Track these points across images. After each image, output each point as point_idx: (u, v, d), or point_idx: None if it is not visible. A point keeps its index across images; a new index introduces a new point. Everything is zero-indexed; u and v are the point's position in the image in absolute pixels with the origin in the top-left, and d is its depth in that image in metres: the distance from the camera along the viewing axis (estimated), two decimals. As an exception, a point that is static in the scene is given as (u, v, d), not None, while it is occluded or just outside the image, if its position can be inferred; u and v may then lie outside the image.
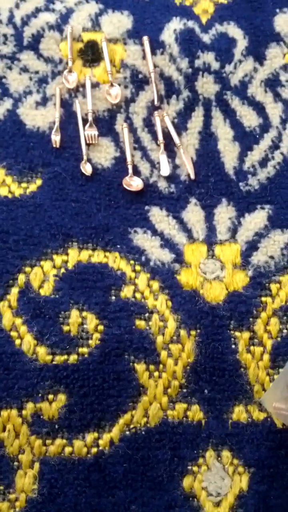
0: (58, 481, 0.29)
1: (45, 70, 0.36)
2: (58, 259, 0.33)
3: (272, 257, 0.33)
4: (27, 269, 0.32)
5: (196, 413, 0.31)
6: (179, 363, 0.31)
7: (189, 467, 0.30)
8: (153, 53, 0.37)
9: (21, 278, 0.32)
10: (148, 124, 0.36)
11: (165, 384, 0.31)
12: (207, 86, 0.37)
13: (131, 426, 0.30)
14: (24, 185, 0.34)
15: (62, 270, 0.32)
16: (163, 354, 0.31)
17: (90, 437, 0.30)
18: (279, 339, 0.32)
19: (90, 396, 0.30)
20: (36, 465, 0.30)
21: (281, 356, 0.32)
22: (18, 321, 0.31)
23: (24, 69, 0.36)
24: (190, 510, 0.29)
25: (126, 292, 0.32)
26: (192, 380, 0.31)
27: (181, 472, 0.30)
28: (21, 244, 0.33)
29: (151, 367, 0.31)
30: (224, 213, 0.34)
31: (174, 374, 0.31)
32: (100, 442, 0.30)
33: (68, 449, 0.30)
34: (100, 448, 0.30)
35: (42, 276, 0.32)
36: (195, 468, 0.30)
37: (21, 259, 0.32)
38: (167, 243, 0.34)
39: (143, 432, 0.30)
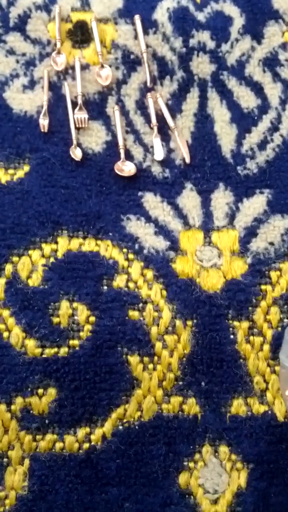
0: (49, 477, 0.28)
1: (32, 52, 0.35)
2: (47, 248, 0.31)
3: (272, 244, 0.32)
4: (15, 258, 0.31)
5: (192, 406, 0.29)
6: (175, 354, 0.30)
7: (185, 463, 0.29)
8: (146, 32, 0.36)
9: (8, 268, 0.31)
10: (141, 106, 0.35)
11: (159, 376, 0.30)
12: (202, 66, 0.36)
13: (124, 420, 0.29)
14: (11, 171, 0.33)
15: (51, 260, 0.31)
16: (158, 345, 0.30)
17: (81, 432, 0.29)
18: (279, 328, 0.31)
19: (81, 390, 0.29)
20: (26, 462, 0.29)
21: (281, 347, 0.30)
22: (6, 313, 0.30)
23: (11, 52, 0.35)
24: (186, 508, 0.28)
25: (119, 281, 0.31)
26: (188, 372, 0.30)
27: (177, 468, 0.29)
28: (8, 232, 0.31)
29: (145, 359, 0.30)
30: (221, 198, 0.33)
31: (169, 366, 0.30)
32: (92, 437, 0.29)
33: (59, 445, 0.29)
34: (92, 443, 0.29)
35: (31, 266, 0.31)
36: (191, 464, 0.29)
37: (8, 248, 0.31)
38: (162, 230, 0.32)
39: (136, 427, 0.29)
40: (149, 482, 0.29)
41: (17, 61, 0.35)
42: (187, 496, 0.28)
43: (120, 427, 0.29)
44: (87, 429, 0.29)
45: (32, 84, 0.34)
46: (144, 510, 0.28)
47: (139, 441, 0.29)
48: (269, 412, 0.29)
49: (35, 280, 0.31)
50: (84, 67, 0.35)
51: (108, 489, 0.28)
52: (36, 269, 0.31)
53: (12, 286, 0.30)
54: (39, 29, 0.35)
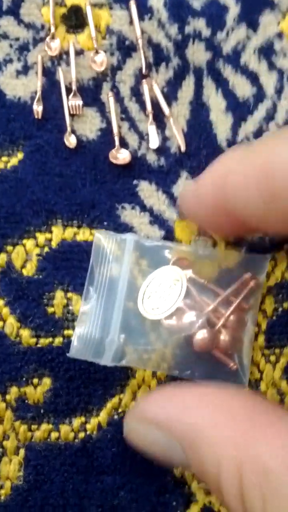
0: (44, 467, 0.28)
1: (26, 37, 0.34)
2: (41, 237, 0.31)
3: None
4: (9, 248, 0.31)
5: (187, 396, 0.29)
6: (169, 344, 0.30)
7: (180, 452, 0.29)
8: (141, 18, 0.35)
9: (2, 257, 0.30)
10: (136, 93, 0.34)
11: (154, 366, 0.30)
12: (198, 54, 0.36)
13: (120, 410, 0.29)
14: (4, 159, 0.32)
15: (46, 249, 0.31)
16: (152, 335, 0.30)
17: (77, 421, 0.29)
18: (274, 318, 0.31)
19: (76, 379, 0.29)
20: (22, 451, 0.29)
21: (276, 336, 0.30)
22: (0, 302, 0.30)
23: (4, 36, 0.34)
24: (180, 497, 0.28)
25: (115, 270, 0.31)
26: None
27: (172, 456, 0.29)
28: (2, 221, 0.31)
29: (140, 348, 0.30)
30: (216, 187, 0.33)
31: (163, 356, 0.30)
32: (88, 426, 0.29)
33: (54, 434, 0.29)
34: (88, 432, 0.29)
35: (25, 255, 0.31)
36: (186, 453, 0.29)
37: (2, 238, 0.31)
38: (157, 219, 0.32)
39: (132, 416, 0.29)
40: (144, 471, 0.29)
41: (11, 46, 0.34)
42: (181, 485, 0.29)
43: (116, 417, 0.29)
44: (83, 419, 0.29)
45: (25, 70, 0.34)
46: (139, 499, 0.28)
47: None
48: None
49: (29, 270, 0.30)
50: (79, 53, 0.34)
51: (103, 478, 0.28)
52: (31, 259, 0.31)
53: (7, 275, 0.30)
54: (32, 13, 0.35)
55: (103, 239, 0.30)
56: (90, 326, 0.28)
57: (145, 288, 0.27)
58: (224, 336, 0.27)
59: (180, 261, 0.28)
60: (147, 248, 0.29)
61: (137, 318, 0.27)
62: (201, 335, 0.26)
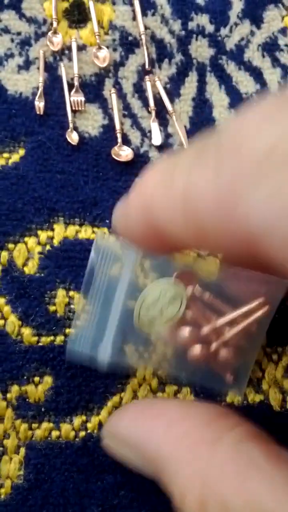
0: (45, 466, 0.28)
1: (28, 31, 0.34)
2: (43, 235, 0.31)
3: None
4: (10, 245, 0.30)
5: (186, 395, 0.29)
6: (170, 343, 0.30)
7: (181, 451, 0.29)
8: (144, 14, 0.35)
9: (4, 255, 0.30)
10: (139, 89, 0.34)
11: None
12: (201, 50, 0.35)
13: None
14: (5, 155, 0.32)
15: (48, 247, 0.31)
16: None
17: (77, 420, 0.29)
18: (276, 315, 0.30)
19: (77, 378, 0.29)
20: (22, 450, 0.28)
21: (279, 334, 0.30)
22: (2, 301, 0.30)
23: (5, 30, 0.34)
24: (182, 496, 0.28)
25: (115, 270, 0.30)
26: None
27: (173, 456, 0.29)
28: (3, 219, 0.31)
29: (140, 348, 0.30)
30: (218, 185, 0.33)
31: (164, 354, 0.30)
32: (89, 425, 0.29)
33: (55, 433, 0.29)
34: (89, 431, 0.29)
35: (26, 253, 0.30)
36: (187, 452, 0.29)
37: (3, 235, 0.30)
38: (159, 217, 0.32)
39: (133, 415, 0.29)
40: (145, 470, 0.29)
41: (12, 40, 0.34)
42: (183, 483, 0.29)
43: (117, 416, 0.29)
44: (84, 417, 0.29)
45: (27, 65, 0.33)
46: (140, 498, 0.28)
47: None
48: (265, 401, 0.29)
49: (31, 268, 0.30)
50: (81, 48, 0.34)
51: (104, 477, 0.28)
52: (32, 257, 0.30)
53: (8, 273, 0.30)
54: (34, 8, 0.34)
55: (105, 238, 0.30)
56: (87, 326, 0.27)
57: (143, 299, 0.26)
58: (223, 353, 0.26)
59: (183, 275, 0.27)
60: None
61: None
62: (194, 351, 0.26)
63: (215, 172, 0.17)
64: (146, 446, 0.22)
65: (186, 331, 0.26)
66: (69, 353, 0.27)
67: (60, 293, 0.30)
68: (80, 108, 0.33)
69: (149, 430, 0.22)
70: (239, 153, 0.17)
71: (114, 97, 0.33)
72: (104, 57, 0.34)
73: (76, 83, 0.33)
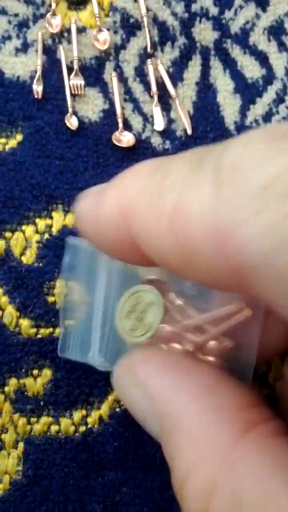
0: (44, 461, 0.27)
1: (25, 13, 0.33)
2: (41, 224, 0.30)
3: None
4: (7, 234, 0.29)
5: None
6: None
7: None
8: (146, -5, 0.34)
9: (1, 244, 0.29)
10: (140, 73, 0.33)
11: (158, 358, 0.29)
12: (205, 33, 0.34)
13: (122, 402, 0.28)
14: (2, 140, 0.31)
15: (46, 236, 0.30)
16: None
17: (77, 414, 0.28)
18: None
19: (77, 370, 0.28)
20: (20, 445, 0.28)
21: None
22: (-2, 291, 0.29)
23: (2, 12, 0.33)
24: (185, 493, 0.27)
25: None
26: (188, 353, 0.29)
27: (176, 451, 0.28)
28: (0, 206, 0.30)
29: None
30: (223, 172, 0.32)
31: (168, 347, 0.29)
32: (89, 419, 0.28)
33: (54, 428, 0.28)
34: (89, 426, 0.28)
35: (24, 242, 0.29)
36: (191, 447, 0.28)
37: (0, 223, 0.29)
38: (161, 205, 0.31)
39: (135, 409, 0.28)
40: (147, 466, 0.28)
41: (9, 22, 0.32)
42: (186, 480, 0.28)
43: (117, 409, 0.28)
44: (84, 412, 0.28)
45: (25, 47, 0.32)
46: (142, 495, 0.27)
47: (136, 423, 0.28)
48: (270, 394, 0.29)
49: (29, 258, 0.29)
50: (81, 30, 0.33)
51: (105, 473, 0.27)
52: (30, 246, 0.29)
53: (5, 263, 0.29)
54: (32, -12, 0.33)
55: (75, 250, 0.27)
56: (74, 331, 0.26)
57: (122, 306, 0.24)
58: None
59: (154, 283, 0.25)
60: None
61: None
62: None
63: (213, 197, 0.16)
64: (165, 398, 0.20)
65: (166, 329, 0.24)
66: (61, 354, 0.26)
67: (59, 283, 0.29)
68: (79, 92, 0.32)
69: (174, 386, 0.20)
70: (241, 180, 0.15)
71: (115, 81, 0.32)
72: (104, 39, 0.33)
73: (75, 66, 0.32)
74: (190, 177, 0.17)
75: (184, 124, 0.32)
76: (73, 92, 0.32)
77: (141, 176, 0.19)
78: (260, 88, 0.33)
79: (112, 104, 0.32)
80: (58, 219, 0.30)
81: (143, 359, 0.21)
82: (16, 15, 0.33)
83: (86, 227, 0.20)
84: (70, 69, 0.32)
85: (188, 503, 0.17)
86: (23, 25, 0.33)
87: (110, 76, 0.32)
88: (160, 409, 0.20)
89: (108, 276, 0.26)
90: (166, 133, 0.32)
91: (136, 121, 0.32)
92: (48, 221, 0.30)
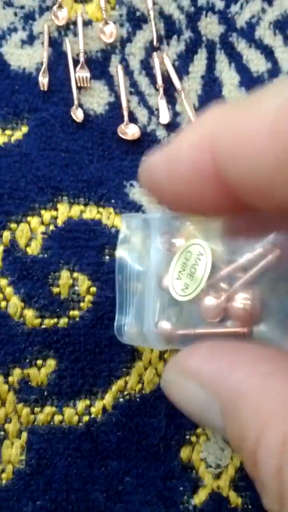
0: (47, 451, 0.28)
1: (31, 5, 0.33)
2: (46, 215, 0.30)
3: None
4: (13, 225, 0.29)
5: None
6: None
7: (187, 437, 0.28)
8: (152, -12, 0.34)
9: (6, 235, 0.29)
10: (146, 66, 0.33)
11: (162, 349, 0.29)
12: (211, 27, 0.34)
13: (125, 392, 0.28)
14: (8, 132, 0.31)
15: (51, 227, 0.30)
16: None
17: (81, 404, 0.28)
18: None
19: (81, 361, 0.28)
20: (24, 435, 0.28)
21: None
22: (4, 282, 0.29)
23: (8, 3, 0.33)
24: (188, 482, 0.28)
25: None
26: (191, 345, 0.29)
27: (178, 441, 0.28)
28: (5, 198, 0.30)
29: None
30: (227, 166, 0.32)
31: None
32: (92, 409, 0.28)
33: (58, 418, 0.28)
34: (92, 416, 0.28)
35: (29, 233, 0.29)
36: (193, 439, 0.28)
37: (5, 215, 0.30)
38: (166, 198, 0.31)
39: (137, 399, 0.28)
40: (150, 456, 0.28)
41: (15, 14, 0.33)
42: (189, 470, 0.28)
43: (121, 400, 0.28)
44: (87, 402, 0.28)
45: (31, 39, 0.32)
46: (145, 484, 0.28)
47: (140, 413, 0.28)
48: None
49: (34, 249, 0.29)
50: (87, 23, 0.33)
51: (108, 463, 0.28)
52: (35, 237, 0.29)
53: (10, 254, 0.29)
54: (38, -20, 0.33)
55: (129, 223, 0.26)
56: (129, 313, 0.25)
57: (173, 268, 0.24)
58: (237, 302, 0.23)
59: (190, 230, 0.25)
60: (171, 223, 0.25)
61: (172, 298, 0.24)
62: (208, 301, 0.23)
63: None
64: (222, 378, 0.19)
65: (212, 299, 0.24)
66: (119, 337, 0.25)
67: (64, 274, 0.29)
68: (85, 85, 0.32)
69: (228, 361, 0.19)
70: None
71: (120, 73, 0.32)
72: (110, 32, 0.33)
73: (81, 59, 0.32)
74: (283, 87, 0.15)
75: (189, 117, 0.32)
76: (79, 84, 0.32)
77: (218, 110, 0.16)
78: (266, 82, 0.33)
79: (117, 97, 0.32)
80: (63, 211, 0.30)
81: (191, 353, 0.21)
82: (22, 7, 0.33)
83: (155, 182, 0.18)
84: (76, 62, 0.32)
85: (263, 464, 0.16)
86: (29, 17, 0.33)
87: (116, 69, 0.32)
88: (219, 389, 0.19)
89: (162, 239, 0.25)
90: (172, 126, 0.32)
91: (142, 114, 0.32)
92: (54, 213, 0.30)
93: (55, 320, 0.29)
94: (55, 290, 0.29)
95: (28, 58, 0.32)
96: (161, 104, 0.32)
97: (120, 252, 0.26)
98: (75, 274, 0.29)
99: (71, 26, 0.33)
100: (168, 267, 0.24)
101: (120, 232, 0.25)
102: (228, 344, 0.21)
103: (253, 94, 0.16)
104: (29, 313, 0.28)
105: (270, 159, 0.14)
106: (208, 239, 0.24)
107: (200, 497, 0.28)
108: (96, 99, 0.32)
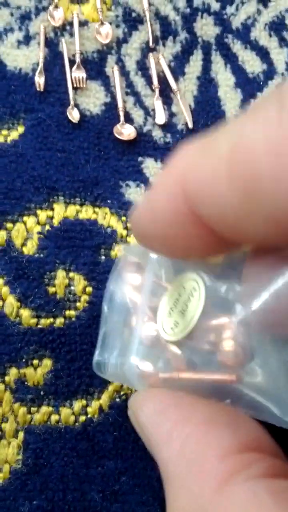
0: (44, 451, 0.28)
1: (28, 5, 0.33)
2: (42, 215, 0.30)
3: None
4: (9, 225, 0.29)
5: (191, 379, 0.29)
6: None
7: (184, 437, 0.28)
8: (148, -11, 0.34)
9: (2, 235, 0.29)
10: (142, 67, 0.33)
11: (158, 349, 0.29)
12: (206, 28, 0.34)
13: (122, 392, 0.28)
14: (4, 132, 0.31)
15: (47, 227, 0.30)
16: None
17: (77, 404, 0.28)
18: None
19: (77, 361, 0.28)
20: (20, 434, 0.28)
21: None
22: (0, 281, 0.29)
23: (4, 4, 0.33)
24: (184, 482, 0.28)
25: (117, 251, 0.30)
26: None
27: (175, 441, 0.28)
28: (1, 198, 0.30)
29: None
30: (223, 166, 0.32)
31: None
32: (89, 409, 0.28)
33: (54, 417, 0.28)
34: (89, 416, 0.28)
35: (25, 233, 0.30)
36: (189, 438, 0.28)
37: (1, 215, 0.30)
38: (162, 198, 0.31)
39: (134, 400, 0.28)
40: (146, 456, 0.28)
41: (12, 14, 0.33)
42: (185, 469, 0.28)
43: (117, 399, 0.28)
44: (84, 401, 0.28)
45: (27, 40, 0.32)
46: (141, 484, 0.28)
47: (136, 414, 0.28)
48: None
49: (30, 249, 0.29)
50: (83, 24, 0.33)
51: (105, 463, 0.28)
52: (31, 237, 0.29)
53: (6, 254, 0.29)
54: (35, -20, 0.33)
55: (127, 254, 0.25)
56: (111, 347, 0.23)
57: (165, 304, 0.22)
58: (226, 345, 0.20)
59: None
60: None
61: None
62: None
63: (277, 122, 0.14)
64: (158, 446, 0.20)
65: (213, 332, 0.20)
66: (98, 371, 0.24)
67: (60, 274, 0.29)
68: (81, 85, 0.32)
69: (167, 432, 0.20)
70: None
71: (116, 74, 0.32)
72: (106, 33, 0.33)
73: (77, 59, 0.32)
74: (249, 118, 0.15)
75: (185, 118, 0.32)
76: (75, 85, 0.32)
77: (188, 149, 0.17)
78: (261, 83, 0.34)
79: (113, 97, 0.32)
80: (59, 211, 0.30)
81: (143, 400, 0.21)
82: (18, 7, 0.33)
83: (142, 230, 0.19)
84: (72, 62, 0.32)
85: None
86: (25, 18, 0.33)
87: (112, 70, 0.32)
88: (155, 454, 0.20)
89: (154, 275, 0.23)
90: (167, 127, 0.32)
91: (138, 115, 0.32)
92: (49, 213, 0.30)
93: (51, 320, 0.29)
94: (51, 289, 0.29)
95: (24, 58, 0.32)
96: (157, 104, 0.32)
97: (112, 284, 0.24)
98: (71, 274, 0.29)
99: (67, 27, 0.33)
100: (159, 302, 0.22)
101: (115, 262, 0.25)
102: (178, 402, 0.20)
103: (217, 130, 0.16)
104: (25, 313, 0.28)
105: (232, 201, 0.15)
106: (206, 273, 0.21)
107: (196, 497, 0.28)
108: (92, 99, 0.32)
